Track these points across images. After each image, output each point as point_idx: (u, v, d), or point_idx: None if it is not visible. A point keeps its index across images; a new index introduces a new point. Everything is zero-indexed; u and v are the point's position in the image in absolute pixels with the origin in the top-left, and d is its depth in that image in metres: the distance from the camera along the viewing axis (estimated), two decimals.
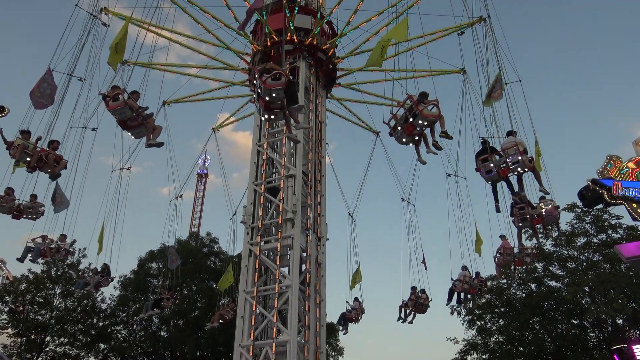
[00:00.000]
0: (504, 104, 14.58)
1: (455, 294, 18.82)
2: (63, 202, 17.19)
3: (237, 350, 14.32)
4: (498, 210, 14.14)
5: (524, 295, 29.22)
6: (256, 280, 15.14)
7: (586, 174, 12.25)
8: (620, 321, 26.97)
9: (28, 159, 13.23)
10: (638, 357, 18.46)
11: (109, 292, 34.59)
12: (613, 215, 28.22)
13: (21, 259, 17.20)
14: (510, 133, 13.15)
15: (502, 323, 29.92)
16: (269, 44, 17.74)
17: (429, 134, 11.75)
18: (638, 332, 26.51)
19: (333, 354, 36.09)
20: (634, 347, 19.01)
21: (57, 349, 32.49)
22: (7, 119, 14.79)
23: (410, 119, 11.29)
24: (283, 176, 16.16)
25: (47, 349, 32.25)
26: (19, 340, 31.43)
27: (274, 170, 17.44)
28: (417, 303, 19.18)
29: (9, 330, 31.69)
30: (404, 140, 11.79)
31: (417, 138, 11.74)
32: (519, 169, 12.64)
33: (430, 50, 19.50)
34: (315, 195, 16.82)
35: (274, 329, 14.36)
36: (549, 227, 15.97)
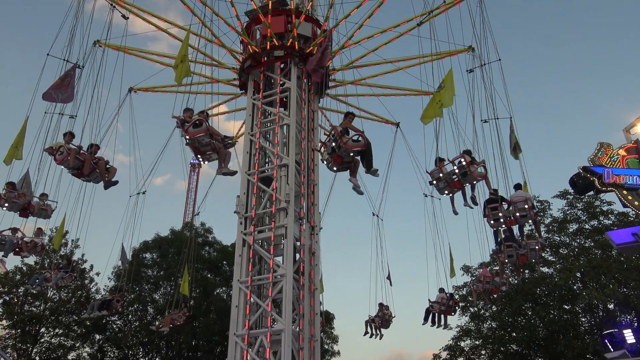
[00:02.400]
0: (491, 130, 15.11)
1: (431, 314, 19.67)
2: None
3: (232, 340, 14.37)
4: (499, 252, 15.31)
5: (516, 281, 29.49)
6: (250, 269, 15.17)
7: (577, 161, 12.45)
8: (611, 306, 27.33)
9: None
10: (629, 342, 18.71)
11: (104, 283, 34.58)
12: (604, 201, 28.47)
13: None
14: (518, 186, 14.11)
15: (495, 309, 30.24)
16: (268, 47, 17.54)
17: (468, 188, 12.84)
18: (629, 317, 26.87)
19: (328, 342, 36.35)
20: (625, 331, 19.26)
21: (52, 339, 32.56)
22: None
23: (459, 177, 12.12)
24: (276, 165, 16.11)
25: (42, 340, 32.29)
26: (14, 331, 31.41)
27: (267, 160, 17.38)
28: (383, 319, 20.07)
29: (4, 321, 31.68)
30: (446, 192, 12.77)
31: (455, 190, 12.71)
32: (525, 222, 13.95)
33: (414, 71, 20.20)
34: (308, 185, 16.80)
35: (269, 318, 14.42)
36: (532, 262, 17.00)
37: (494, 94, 15.49)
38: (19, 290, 31.91)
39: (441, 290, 19.80)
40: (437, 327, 19.72)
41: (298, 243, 15.50)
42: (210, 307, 33.02)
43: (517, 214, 13.35)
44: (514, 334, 29.75)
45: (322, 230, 17.19)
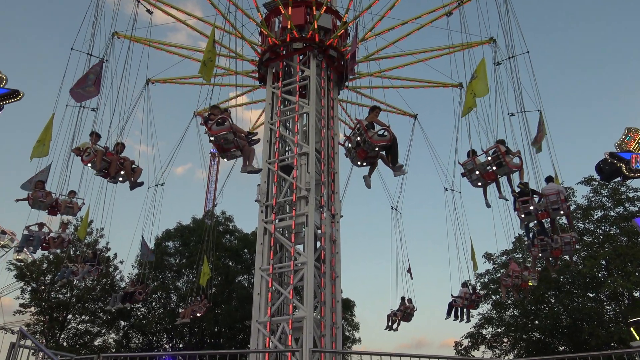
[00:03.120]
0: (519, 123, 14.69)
1: (454, 308, 19.80)
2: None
3: (255, 327, 14.54)
4: (531, 246, 15.02)
5: (539, 269, 29.18)
6: (271, 257, 15.27)
7: (604, 147, 12.15)
8: (637, 294, 26.86)
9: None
10: None
11: (127, 271, 35.22)
12: (630, 188, 27.94)
13: (20, 249, 16.35)
14: (550, 179, 13.72)
15: (517, 297, 29.99)
16: (287, 38, 17.40)
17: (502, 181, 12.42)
18: None
19: (349, 329, 36.51)
20: None
21: (79, 326, 33.35)
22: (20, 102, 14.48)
23: (494, 168, 11.73)
24: (296, 154, 16.14)
25: (69, 326, 33.10)
26: (42, 318, 32.24)
27: (287, 149, 17.41)
28: (405, 313, 20.15)
29: (32, 308, 32.53)
30: (479, 184, 12.30)
31: (489, 182, 12.26)
32: (557, 215, 13.48)
33: (433, 62, 20.12)
34: (328, 173, 16.80)
35: (290, 305, 14.53)
36: (566, 257, 16.57)
37: (520, 86, 15.05)
38: (46, 278, 32.68)
39: (464, 284, 19.91)
40: (460, 322, 19.78)
41: (319, 231, 15.54)
42: (232, 295, 33.38)
43: (550, 207, 12.96)
44: (537, 322, 29.48)
45: (341, 218, 17.19)
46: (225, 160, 12.69)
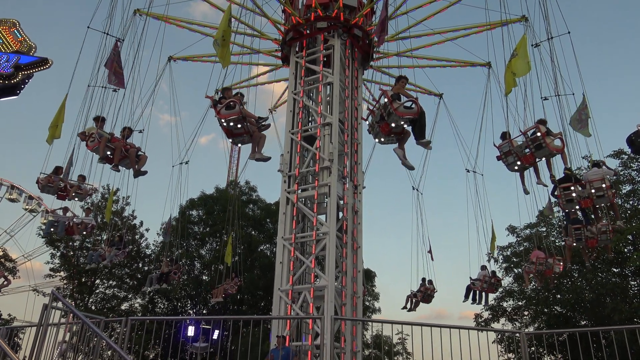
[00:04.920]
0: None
1: (472, 291, 19.57)
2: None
3: (277, 294, 14.75)
4: (566, 235, 14.46)
5: (562, 243, 28.85)
6: (294, 227, 15.38)
7: (636, 119, 11.73)
8: None
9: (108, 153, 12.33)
10: None
11: (153, 239, 36.04)
12: None
13: (45, 235, 16.17)
14: (596, 164, 12.82)
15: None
16: (312, 17, 17.04)
17: (543, 165, 11.63)
18: None
19: (369, 299, 36.90)
20: None
21: (107, 291, 34.45)
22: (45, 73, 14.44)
23: (533, 150, 10.91)
24: (319, 124, 16.06)
25: (97, 291, 34.20)
26: (71, 282, 33.35)
27: (310, 119, 17.33)
28: (425, 294, 20.06)
29: (62, 273, 33.63)
30: (516, 168, 11.51)
31: (526, 165, 11.48)
32: (602, 203, 12.50)
33: (460, 41, 19.46)
34: (351, 143, 16.71)
35: (312, 274, 14.68)
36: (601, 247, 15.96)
37: (556, 69, 14.12)
38: (75, 243, 33.63)
39: (483, 267, 19.72)
40: (478, 304, 19.68)
41: (341, 201, 15.57)
42: (255, 263, 33.92)
43: (594, 194, 11.99)
44: (559, 296, 29.32)
45: (364, 190, 17.12)
46: (234, 145, 12.31)
